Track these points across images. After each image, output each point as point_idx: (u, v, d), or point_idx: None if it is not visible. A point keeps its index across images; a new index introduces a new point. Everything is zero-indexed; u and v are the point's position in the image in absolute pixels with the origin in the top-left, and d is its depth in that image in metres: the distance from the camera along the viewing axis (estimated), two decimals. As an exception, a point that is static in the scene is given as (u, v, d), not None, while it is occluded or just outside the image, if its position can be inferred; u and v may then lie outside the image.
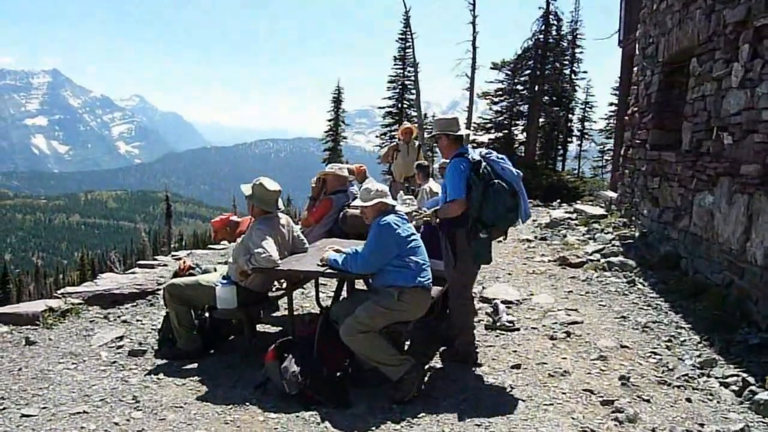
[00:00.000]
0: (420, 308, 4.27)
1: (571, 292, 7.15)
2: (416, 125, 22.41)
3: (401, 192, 8.71)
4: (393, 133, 26.87)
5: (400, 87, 26.79)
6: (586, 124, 25.27)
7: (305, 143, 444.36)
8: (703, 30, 7.76)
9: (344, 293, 5.14)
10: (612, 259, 8.41)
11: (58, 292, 6.07)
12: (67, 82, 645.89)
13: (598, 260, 8.78)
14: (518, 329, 5.74)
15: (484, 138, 22.44)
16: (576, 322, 5.92)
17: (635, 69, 11.78)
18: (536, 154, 22.28)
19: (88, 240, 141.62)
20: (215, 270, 5.09)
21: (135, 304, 6.14)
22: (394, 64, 26.78)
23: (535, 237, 10.97)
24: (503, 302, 6.27)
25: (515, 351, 5.19)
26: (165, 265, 8.08)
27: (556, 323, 5.89)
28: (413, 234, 4.28)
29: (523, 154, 21.96)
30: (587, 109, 25.17)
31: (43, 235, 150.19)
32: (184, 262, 5.39)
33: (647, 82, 10.56)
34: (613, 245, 9.34)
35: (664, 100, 9.89)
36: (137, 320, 5.70)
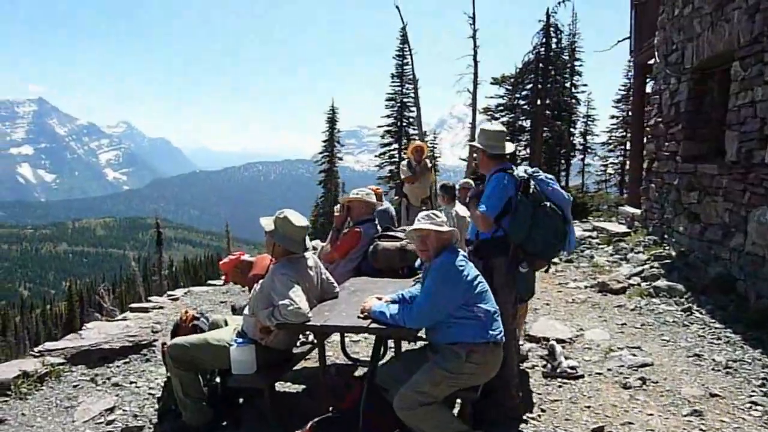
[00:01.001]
0: (492, 369, 3.41)
1: (624, 324, 6.32)
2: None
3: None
4: (392, 152, 26.14)
5: (398, 105, 26.01)
6: (588, 137, 24.68)
7: (294, 165, 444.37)
8: (746, 31, 7.06)
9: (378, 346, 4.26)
10: (658, 283, 7.59)
11: (35, 349, 5.13)
12: (53, 111, 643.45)
13: (639, 284, 7.99)
14: (582, 376, 4.88)
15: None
16: (646, 365, 5.07)
17: (653, 78, 11.10)
18: (548, 169, 21.56)
19: (77, 269, 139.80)
20: (226, 323, 4.19)
21: (127, 360, 5.22)
22: (392, 82, 26.03)
23: (560, 259, 10.15)
24: (556, 341, 5.42)
25: (588, 407, 4.32)
26: (161, 307, 7.15)
27: (623, 366, 5.05)
28: (479, 275, 3.43)
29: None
30: (589, 122, 24.62)
31: (30, 265, 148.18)
32: (186, 312, 4.50)
33: (672, 90, 9.85)
34: (652, 267, 8.51)
35: (695, 108, 9.18)
36: (131, 382, 4.77)
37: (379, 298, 3.65)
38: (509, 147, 4.26)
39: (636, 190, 13.44)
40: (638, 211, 12.20)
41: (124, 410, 4.25)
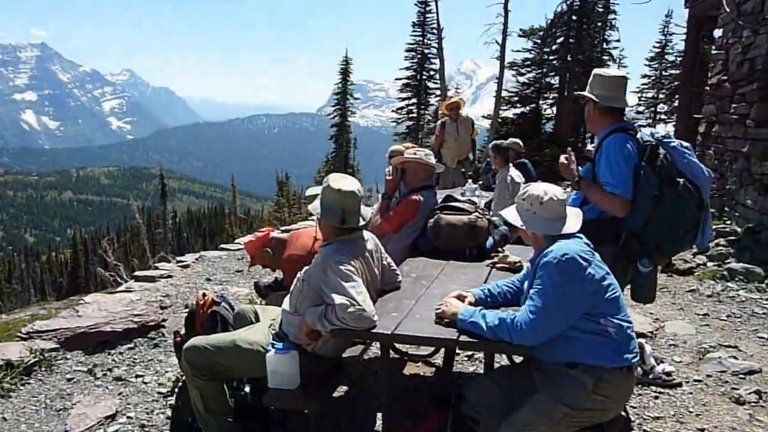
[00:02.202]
0: (624, 401, 2.54)
1: (707, 315, 5.45)
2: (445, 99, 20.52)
3: (469, 182, 6.92)
4: (411, 107, 24.87)
5: (419, 56, 24.60)
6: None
7: (298, 118, 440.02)
8: None
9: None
10: (732, 265, 6.71)
11: (23, 330, 4.28)
12: (55, 56, 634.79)
13: (706, 264, 7.12)
14: (680, 384, 4.03)
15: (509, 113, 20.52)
16: (754, 371, 4.21)
17: (720, 31, 9.96)
18: (569, 130, 20.42)
19: (81, 217, 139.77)
20: (256, 315, 3.31)
21: (132, 345, 4.38)
22: (413, 31, 24.38)
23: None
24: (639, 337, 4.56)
25: (702, 430, 3.48)
26: (169, 276, 6.29)
27: (725, 372, 4.19)
28: (608, 275, 2.51)
29: (552, 130, 20.12)
30: (619, 81, 23.09)
31: (35, 212, 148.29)
32: (204, 296, 3.64)
33: (745, 45, 8.74)
34: (718, 245, 7.59)
35: (775, 65, 8.13)
36: (137, 376, 3.93)
37: (461, 297, 2.76)
38: (630, 99, 3.30)
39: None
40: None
41: (129, 417, 3.42)
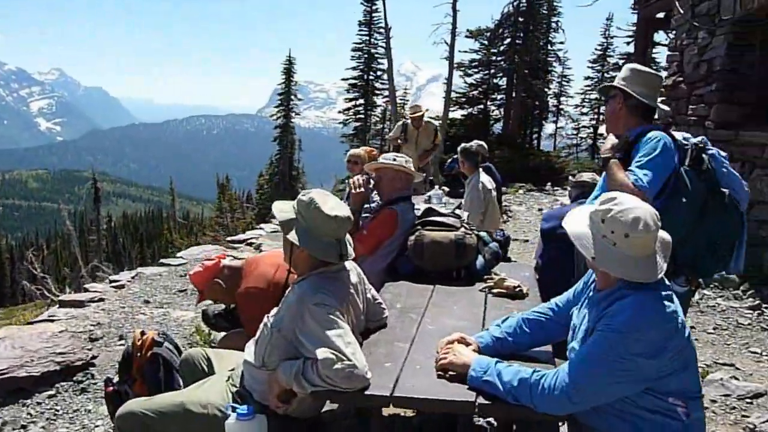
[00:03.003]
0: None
1: (693, 327, 5.13)
2: (392, 101, 19.99)
3: (435, 188, 6.43)
4: (358, 108, 24.24)
5: (366, 56, 24.00)
6: (561, 99, 23.58)
7: (238, 119, 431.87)
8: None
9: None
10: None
11: None
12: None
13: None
14: (686, 413, 3.63)
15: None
16: (759, 395, 3.87)
17: (672, 33, 9.88)
18: (517, 131, 20.35)
19: (7, 222, 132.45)
20: (208, 363, 2.68)
21: (54, 392, 3.65)
22: (359, 30, 23.79)
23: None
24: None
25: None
26: (101, 300, 5.50)
27: (729, 395, 3.88)
28: (688, 339, 1.96)
29: (500, 132, 20.01)
30: (564, 83, 23.45)
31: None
32: (142, 336, 2.99)
33: (702, 45, 8.62)
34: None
35: (733, 66, 8.01)
36: (60, 436, 3.22)
37: (464, 341, 2.23)
38: (662, 105, 2.89)
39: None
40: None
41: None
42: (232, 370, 2.48)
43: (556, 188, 15.25)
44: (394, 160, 3.62)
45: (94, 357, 4.06)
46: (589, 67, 22.79)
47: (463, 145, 6.25)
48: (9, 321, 20.52)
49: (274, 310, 2.29)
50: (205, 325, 4.31)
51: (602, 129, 3.40)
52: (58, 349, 3.96)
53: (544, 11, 20.36)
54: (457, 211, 4.14)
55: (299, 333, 2.10)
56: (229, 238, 8.56)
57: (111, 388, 3.02)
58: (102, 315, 5.06)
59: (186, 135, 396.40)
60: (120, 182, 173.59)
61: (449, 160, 7.53)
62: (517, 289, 3.06)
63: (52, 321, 4.79)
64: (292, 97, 26.59)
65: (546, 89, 22.18)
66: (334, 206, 2.30)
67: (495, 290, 3.10)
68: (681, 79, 9.29)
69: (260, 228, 9.32)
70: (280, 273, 2.88)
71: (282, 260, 2.58)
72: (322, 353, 1.98)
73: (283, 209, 2.37)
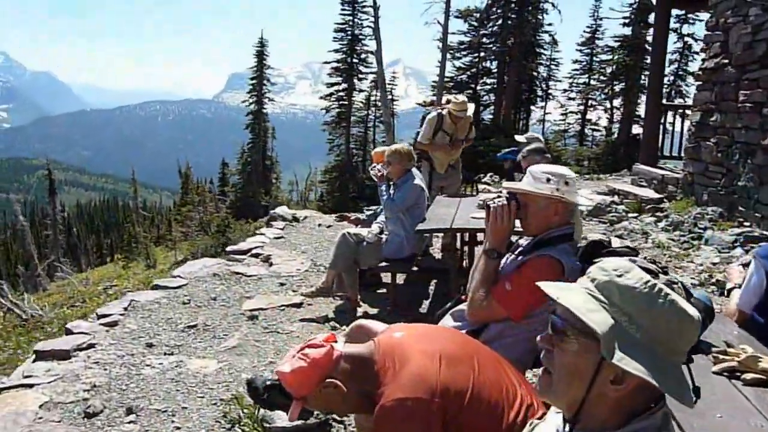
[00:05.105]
0: None
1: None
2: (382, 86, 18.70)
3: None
4: (341, 93, 22.82)
5: (349, 37, 22.59)
6: (550, 83, 22.67)
7: (194, 105, 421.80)
8: None
9: None
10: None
11: None
12: None
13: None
14: None
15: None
16: None
17: (712, 11, 8.98)
18: (513, 118, 19.43)
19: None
20: None
21: None
22: (342, 10, 22.28)
23: (604, 233, 8.03)
24: None
25: None
26: (91, 345, 4.20)
27: None
28: None
29: (492, 117, 19.03)
30: (552, 66, 22.55)
31: None
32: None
33: (755, 24, 7.76)
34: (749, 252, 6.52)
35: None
36: None
37: None
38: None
39: (654, 147, 11.57)
40: (671, 174, 10.33)
41: None
42: None
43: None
44: (548, 181, 2.48)
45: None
46: (577, 50, 22.00)
47: (535, 144, 5.16)
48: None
49: None
50: (250, 396, 3.17)
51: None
52: (45, 444, 2.74)
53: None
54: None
55: None
56: (229, 248, 7.29)
57: None
58: (97, 372, 3.82)
59: (140, 121, 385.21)
60: (72, 170, 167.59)
61: (504, 151, 6.40)
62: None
63: (30, 387, 3.52)
64: (265, 82, 25.03)
65: (535, 73, 21.31)
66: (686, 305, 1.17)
67: (750, 376, 2.04)
68: (726, 61, 8.44)
69: (261, 234, 8.07)
70: (445, 371, 1.75)
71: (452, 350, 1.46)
72: None
73: (585, 305, 1.20)
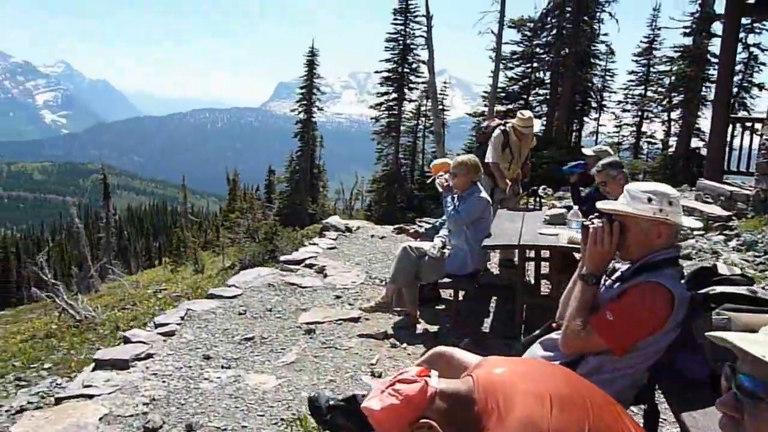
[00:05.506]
0: None
1: None
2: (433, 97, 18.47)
3: (575, 208, 5.06)
4: (390, 103, 22.72)
5: (401, 47, 22.43)
6: (604, 94, 22.02)
7: (242, 113, 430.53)
8: None
9: None
10: None
11: None
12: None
13: None
14: None
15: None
16: None
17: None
18: (566, 130, 18.95)
19: (12, 214, 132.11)
20: None
21: None
22: (394, 19, 22.09)
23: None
24: None
25: None
26: (149, 356, 4.10)
27: None
28: None
29: (544, 127, 18.56)
30: (607, 77, 21.94)
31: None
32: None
33: None
34: None
35: None
36: None
37: None
38: None
39: (719, 162, 11.03)
40: (739, 190, 9.80)
41: None
42: None
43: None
44: (656, 204, 2.24)
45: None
46: (633, 60, 21.35)
47: (609, 158, 4.86)
48: (16, 324, 19.29)
49: None
50: (312, 416, 3.01)
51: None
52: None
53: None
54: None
55: None
56: (282, 258, 7.20)
57: None
58: (155, 384, 3.72)
59: (190, 128, 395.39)
60: (124, 175, 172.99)
61: (570, 164, 6.09)
62: None
63: (90, 398, 3.44)
64: (315, 91, 25.15)
65: (590, 84, 20.76)
66: None
67: None
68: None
69: (314, 243, 7.96)
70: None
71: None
72: None
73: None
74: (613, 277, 2.41)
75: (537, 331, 2.61)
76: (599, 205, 2.44)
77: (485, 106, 20.76)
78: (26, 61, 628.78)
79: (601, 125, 22.40)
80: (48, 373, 8.77)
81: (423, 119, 23.71)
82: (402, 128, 23.07)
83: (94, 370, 3.98)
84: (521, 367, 1.84)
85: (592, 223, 2.33)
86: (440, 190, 5.08)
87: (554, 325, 2.54)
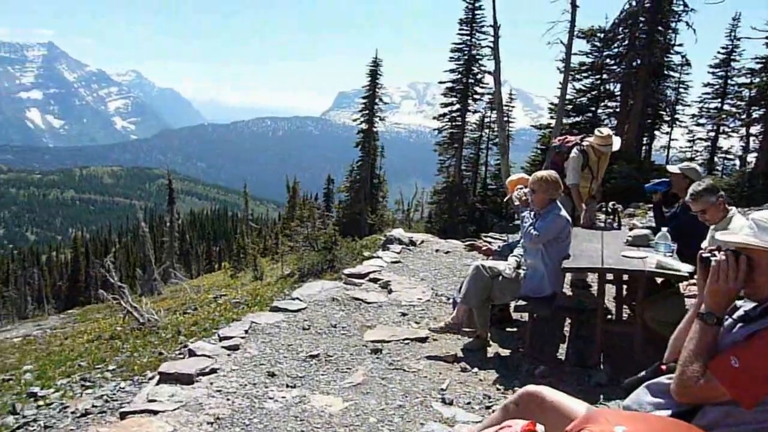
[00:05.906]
0: None
1: None
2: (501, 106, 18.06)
3: (663, 230, 4.70)
4: (454, 114, 22.46)
5: (466, 57, 22.21)
6: (677, 107, 21.06)
7: (303, 122, 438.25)
8: None
9: None
10: None
11: None
12: (62, 56, 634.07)
13: None
14: None
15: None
16: None
17: None
18: (638, 145, 18.20)
19: (83, 216, 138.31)
20: None
21: None
22: (460, 29, 21.83)
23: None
24: None
25: None
26: (213, 370, 4.01)
27: None
28: None
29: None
30: (681, 89, 20.99)
31: (37, 210, 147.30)
32: None
33: None
34: None
35: None
36: None
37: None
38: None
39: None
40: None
41: None
42: None
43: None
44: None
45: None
46: (709, 72, 20.35)
47: (706, 182, 4.45)
48: (84, 323, 19.99)
49: None
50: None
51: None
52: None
53: (675, 8, 17.98)
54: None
55: None
56: (346, 272, 7.05)
57: None
58: (219, 401, 3.60)
59: (252, 136, 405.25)
60: (188, 180, 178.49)
61: (653, 182, 5.73)
62: None
63: (155, 414, 3.35)
64: (377, 101, 25.15)
65: (662, 96, 19.90)
66: None
67: None
68: None
69: (377, 257, 7.79)
70: None
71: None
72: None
73: None
74: (734, 316, 2.11)
75: (642, 373, 2.32)
76: (719, 236, 2.14)
77: (551, 118, 20.20)
78: (100, 70, 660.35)
79: (673, 139, 21.44)
80: (112, 375, 8.93)
81: (487, 131, 23.32)
82: (465, 140, 22.74)
83: (158, 383, 3.90)
84: (642, 425, 1.59)
85: (713, 255, 2.04)
86: (517, 203, 4.82)
87: (664, 367, 2.25)
